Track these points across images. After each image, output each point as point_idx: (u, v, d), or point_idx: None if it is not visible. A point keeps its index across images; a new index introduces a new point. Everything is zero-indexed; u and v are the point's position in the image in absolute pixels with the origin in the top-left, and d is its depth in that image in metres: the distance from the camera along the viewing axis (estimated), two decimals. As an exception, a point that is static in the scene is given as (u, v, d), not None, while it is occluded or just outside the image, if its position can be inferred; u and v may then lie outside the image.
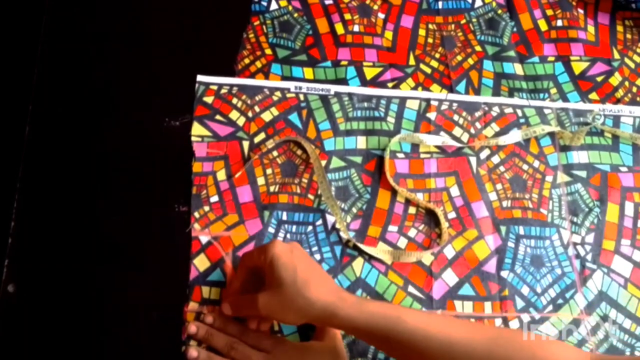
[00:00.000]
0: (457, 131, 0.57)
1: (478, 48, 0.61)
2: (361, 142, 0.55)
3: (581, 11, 0.63)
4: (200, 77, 0.56)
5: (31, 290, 0.48)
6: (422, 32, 0.61)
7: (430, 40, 0.61)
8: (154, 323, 0.48)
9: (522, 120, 0.58)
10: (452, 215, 0.54)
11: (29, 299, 0.48)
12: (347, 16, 0.60)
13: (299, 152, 0.55)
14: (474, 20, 0.62)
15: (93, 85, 0.55)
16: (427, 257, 0.52)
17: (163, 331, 0.48)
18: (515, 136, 0.57)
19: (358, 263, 0.51)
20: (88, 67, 0.56)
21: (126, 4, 0.58)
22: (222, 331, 0.47)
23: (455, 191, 0.55)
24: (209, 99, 0.55)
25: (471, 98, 0.58)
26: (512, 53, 0.61)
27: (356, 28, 0.60)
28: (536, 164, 0.57)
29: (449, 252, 0.53)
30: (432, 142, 0.55)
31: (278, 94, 0.56)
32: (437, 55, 0.60)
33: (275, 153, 0.54)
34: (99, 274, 0.49)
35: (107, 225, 0.50)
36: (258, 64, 0.57)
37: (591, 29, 0.63)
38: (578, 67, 0.61)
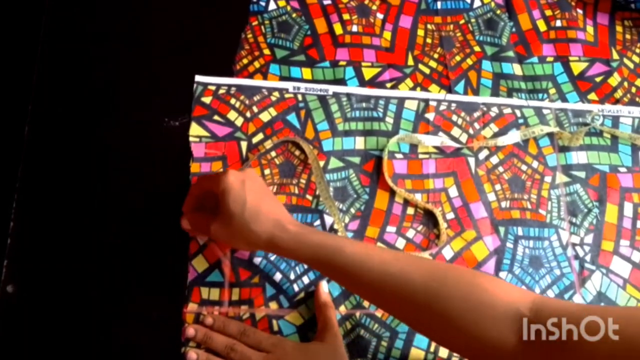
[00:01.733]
0: (455, 131, 0.57)
1: (477, 48, 0.61)
2: (359, 143, 0.55)
3: (580, 11, 0.63)
4: (198, 78, 0.56)
5: (31, 290, 0.48)
6: (420, 32, 0.61)
7: (428, 40, 0.61)
8: (154, 323, 0.48)
9: (520, 121, 0.58)
10: (450, 215, 0.54)
11: (29, 299, 0.48)
12: (346, 16, 0.60)
13: (297, 152, 0.54)
14: (473, 20, 0.62)
15: (93, 85, 0.55)
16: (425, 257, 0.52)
17: (163, 331, 0.48)
18: (514, 137, 0.57)
19: (356, 264, 0.51)
20: (88, 67, 0.56)
21: (126, 4, 0.58)
22: (222, 332, 0.47)
23: (453, 192, 0.55)
24: (207, 99, 0.55)
25: (470, 98, 0.58)
26: (510, 53, 0.61)
27: (355, 28, 0.60)
28: (535, 164, 0.57)
29: (448, 252, 0.53)
30: (430, 143, 0.55)
31: (276, 94, 0.56)
32: (436, 56, 0.60)
33: (273, 153, 0.54)
34: (98, 274, 0.49)
35: (107, 226, 0.50)
36: (256, 64, 0.57)
37: (590, 29, 0.63)
38: (577, 67, 0.60)
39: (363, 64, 0.59)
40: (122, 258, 0.50)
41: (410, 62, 0.59)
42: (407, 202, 0.54)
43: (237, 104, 0.55)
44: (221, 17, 0.59)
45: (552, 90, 0.60)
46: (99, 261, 0.50)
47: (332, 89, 0.57)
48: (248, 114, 0.55)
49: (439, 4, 0.62)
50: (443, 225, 0.53)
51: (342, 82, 0.58)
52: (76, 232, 0.50)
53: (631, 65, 0.62)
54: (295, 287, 0.50)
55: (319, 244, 0.43)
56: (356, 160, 0.55)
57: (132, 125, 0.54)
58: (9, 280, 0.48)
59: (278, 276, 0.50)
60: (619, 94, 0.60)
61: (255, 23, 0.59)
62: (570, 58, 0.61)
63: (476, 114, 0.58)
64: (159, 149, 0.53)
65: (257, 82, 0.56)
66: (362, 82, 0.58)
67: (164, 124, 0.54)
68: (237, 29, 0.59)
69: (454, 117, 0.57)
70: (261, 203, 0.44)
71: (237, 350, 0.46)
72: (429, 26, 0.61)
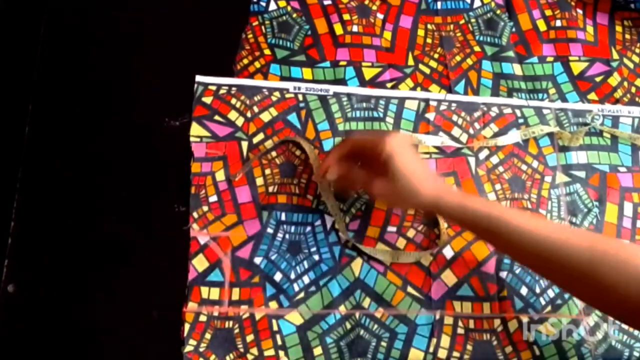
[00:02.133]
0: (456, 131, 0.57)
1: (477, 48, 0.61)
2: (360, 143, 0.55)
3: (580, 11, 0.63)
4: (199, 78, 0.56)
5: (31, 290, 0.48)
6: (420, 32, 0.61)
7: (429, 40, 0.61)
8: (154, 323, 0.48)
9: (520, 121, 0.58)
10: (450, 215, 0.54)
11: (29, 299, 0.48)
12: (346, 16, 0.60)
13: (298, 152, 0.54)
14: (473, 20, 0.62)
15: (93, 85, 0.55)
16: (426, 258, 0.52)
17: (163, 331, 0.48)
18: (514, 136, 0.57)
19: (357, 264, 0.51)
20: (88, 67, 0.56)
21: (126, 4, 0.58)
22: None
23: (454, 191, 0.55)
24: (207, 100, 0.55)
25: (470, 98, 0.58)
26: (511, 53, 0.61)
27: (355, 28, 0.60)
28: (535, 164, 0.57)
29: (448, 252, 0.53)
30: (431, 143, 0.55)
31: (277, 94, 0.56)
32: (436, 56, 0.60)
33: (274, 153, 0.54)
34: (98, 274, 0.49)
35: (107, 226, 0.50)
36: (257, 64, 0.57)
37: (590, 29, 0.63)
38: (577, 67, 0.60)
39: (363, 64, 0.59)
40: (122, 258, 0.50)
41: (411, 62, 0.59)
42: (407, 202, 0.54)
43: (238, 104, 0.55)
44: (221, 18, 0.59)
45: (552, 90, 0.60)
46: (99, 261, 0.50)
47: (333, 89, 0.57)
48: (249, 114, 0.55)
49: (439, 4, 0.62)
50: (443, 225, 0.53)
51: (342, 82, 0.58)
52: (76, 232, 0.50)
53: (631, 65, 0.62)
54: (296, 287, 0.50)
55: (484, 213, 0.45)
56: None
57: (132, 125, 0.54)
58: (10, 280, 0.48)
59: (278, 276, 0.50)
60: (618, 93, 0.60)
61: (255, 23, 0.59)
62: (570, 58, 0.61)
63: (476, 114, 0.58)
64: (159, 149, 0.53)
65: (257, 82, 0.56)
66: (363, 82, 0.58)
67: (164, 124, 0.54)
68: (238, 29, 0.59)
69: (455, 117, 0.57)
70: (422, 169, 0.48)
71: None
72: (429, 26, 0.61)
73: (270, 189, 0.53)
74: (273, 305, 0.50)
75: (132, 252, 0.50)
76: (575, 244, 0.42)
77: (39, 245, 0.49)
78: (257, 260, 0.50)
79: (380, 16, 0.61)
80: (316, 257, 0.51)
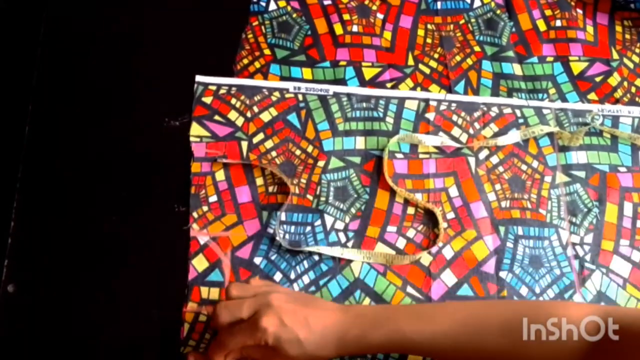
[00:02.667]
0: (455, 131, 0.57)
1: (477, 48, 0.61)
2: (360, 143, 0.55)
3: (580, 11, 0.63)
4: (199, 78, 0.56)
5: (31, 290, 0.48)
6: (420, 32, 0.61)
7: (429, 40, 0.61)
8: (154, 323, 0.48)
9: (520, 121, 0.58)
10: (450, 215, 0.54)
11: (29, 299, 0.48)
12: (346, 16, 0.60)
13: (298, 152, 0.55)
14: (473, 20, 0.62)
15: (93, 85, 0.55)
16: (425, 258, 0.52)
17: (163, 331, 0.48)
18: (514, 136, 0.57)
19: (356, 264, 0.51)
20: (88, 68, 0.56)
21: (125, 4, 0.58)
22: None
23: (454, 191, 0.55)
24: (207, 100, 0.55)
25: (470, 98, 0.58)
26: (510, 53, 0.61)
27: (355, 28, 0.60)
28: (535, 164, 0.57)
29: (448, 252, 0.53)
30: (431, 143, 0.55)
31: (277, 94, 0.56)
32: (436, 56, 0.60)
33: (274, 153, 0.54)
34: (98, 274, 0.49)
35: (107, 226, 0.50)
36: (257, 64, 0.57)
37: (590, 29, 0.63)
38: (577, 67, 0.60)
39: (363, 64, 0.59)
40: (122, 258, 0.50)
41: (411, 62, 0.59)
42: (407, 202, 0.54)
43: (238, 104, 0.55)
44: (220, 17, 0.59)
45: (552, 90, 0.60)
46: (99, 261, 0.50)
47: (333, 89, 0.57)
48: (249, 114, 0.55)
49: (439, 4, 0.62)
50: (443, 224, 0.53)
51: (342, 82, 0.58)
52: (76, 232, 0.50)
53: (631, 65, 0.62)
54: (296, 287, 0.50)
55: (384, 344, 0.43)
56: (357, 160, 0.55)
57: (132, 125, 0.54)
58: (10, 280, 0.48)
59: (278, 276, 0.50)
60: (618, 93, 0.60)
61: (255, 23, 0.59)
62: (570, 58, 0.61)
63: (476, 114, 0.58)
64: (158, 149, 0.53)
65: (257, 82, 0.56)
66: (363, 82, 0.58)
67: (164, 124, 0.54)
68: (238, 29, 0.59)
69: (454, 117, 0.57)
70: (311, 326, 0.42)
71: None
72: (429, 26, 0.61)
73: (270, 189, 0.53)
74: (273, 305, 0.49)
75: (132, 252, 0.50)
76: (482, 338, 0.42)
77: (39, 245, 0.49)
78: (257, 260, 0.50)
79: (380, 16, 0.61)
80: (316, 257, 0.51)
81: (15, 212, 0.50)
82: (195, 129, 0.54)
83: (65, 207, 0.51)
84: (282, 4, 0.60)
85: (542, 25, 0.62)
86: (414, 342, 0.42)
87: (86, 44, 0.56)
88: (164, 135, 0.54)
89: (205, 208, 0.52)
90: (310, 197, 0.53)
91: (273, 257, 0.51)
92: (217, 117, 0.55)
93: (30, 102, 0.54)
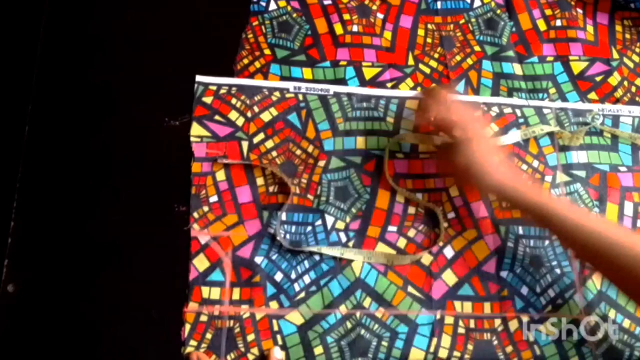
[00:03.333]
0: (437, 139, 0.56)
1: (477, 48, 0.61)
2: (360, 143, 0.55)
3: (580, 11, 0.63)
4: (199, 78, 0.56)
5: (31, 290, 0.48)
6: (421, 32, 0.61)
7: (429, 40, 0.61)
8: (154, 323, 0.48)
9: (521, 121, 0.58)
10: (451, 215, 0.54)
11: (29, 299, 0.48)
12: (346, 16, 0.60)
13: (299, 152, 0.55)
14: (473, 20, 0.62)
15: (93, 85, 0.55)
16: (426, 258, 0.52)
17: (163, 331, 0.48)
18: (514, 136, 0.57)
19: (357, 264, 0.51)
20: (88, 67, 0.56)
21: (125, 4, 0.58)
22: None
23: (454, 191, 0.55)
24: (208, 100, 0.55)
25: (470, 98, 0.58)
26: (511, 53, 0.61)
27: (355, 28, 0.60)
28: (535, 164, 0.57)
29: (449, 252, 0.53)
30: (436, 141, 0.55)
31: (277, 94, 0.56)
32: (437, 56, 0.60)
33: (274, 153, 0.54)
34: (98, 274, 0.49)
35: (107, 226, 0.50)
36: (257, 64, 0.57)
37: (590, 29, 0.63)
38: (577, 67, 0.60)
39: (364, 64, 0.59)
40: (122, 258, 0.50)
41: (411, 62, 0.59)
42: (408, 202, 0.54)
43: (238, 104, 0.55)
44: (221, 18, 0.59)
45: (553, 90, 0.60)
46: (99, 261, 0.50)
47: (333, 89, 0.57)
48: (249, 114, 0.55)
49: (439, 4, 0.62)
50: (444, 224, 0.53)
51: (343, 82, 0.58)
52: (76, 232, 0.50)
53: (631, 65, 0.62)
54: (297, 287, 0.50)
55: (538, 206, 0.48)
56: (357, 160, 0.55)
57: (132, 125, 0.54)
58: (10, 280, 0.48)
59: (279, 276, 0.50)
60: (619, 93, 0.60)
61: (255, 23, 0.59)
62: (571, 58, 0.61)
63: (476, 114, 0.58)
64: (159, 149, 0.53)
65: (258, 82, 0.56)
66: (363, 82, 0.58)
67: (164, 124, 0.54)
68: (237, 29, 0.59)
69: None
70: (491, 162, 0.49)
71: None
72: (429, 26, 0.61)
73: (271, 189, 0.53)
74: (274, 305, 0.49)
75: (132, 252, 0.50)
76: (624, 246, 0.45)
77: (39, 245, 0.49)
78: (258, 260, 0.50)
79: (380, 16, 0.61)
80: (317, 257, 0.51)
81: (15, 212, 0.50)
82: (196, 129, 0.54)
83: (65, 207, 0.51)
84: (282, 4, 0.60)
85: (542, 25, 0.62)
86: (562, 224, 0.47)
87: (86, 44, 0.56)
88: (164, 135, 0.54)
89: (206, 208, 0.51)
90: (311, 197, 0.53)
91: (274, 257, 0.51)
92: (217, 117, 0.55)
93: (30, 102, 0.53)
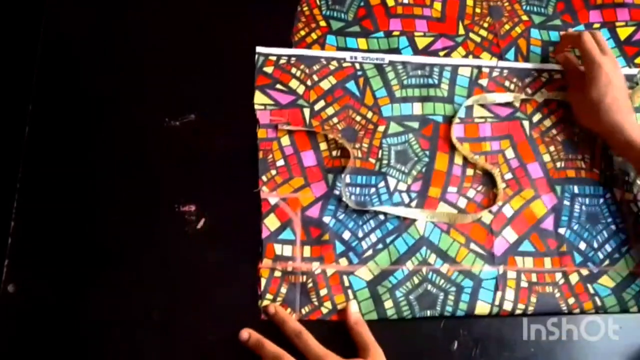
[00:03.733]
0: (508, 97, 0.58)
1: (524, 17, 0.62)
2: (417, 108, 0.57)
3: (626, -24, 0.65)
4: (259, 49, 0.57)
5: (31, 290, 0.48)
6: (469, 2, 0.62)
7: (477, 10, 0.62)
8: (154, 323, 0.48)
9: (571, 86, 0.60)
10: (508, 176, 0.56)
11: (29, 299, 0.48)
12: (397, -12, 0.62)
13: (358, 118, 0.56)
14: (521, -11, 0.63)
15: (93, 85, 0.54)
16: (486, 216, 0.54)
17: (163, 331, 0.48)
18: None
19: (421, 222, 0.53)
20: (88, 67, 0.55)
21: (126, 4, 0.58)
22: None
23: (510, 153, 0.56)
24: (269, 69, 0.57)
25: (521, 65, 0.60)
26: (557, 22, 0.62)
27: (406, 0, 0.62)
28: (587, 126, 0.58)
29: (508, 211, 0.54)
30: (502, 100, 0.57)
31: (334, 63, 0.58)
32: (486, 25, 0.62)
33: (335, 120, 0.56)
34: (98, 274, 0.49)
35: (107, 226, 0.50)
36: (314, 35, 0.59)
37: (636, -7, 0.64)
38: (623, 32, 0.62)
39: (416, 33, 0.60)
40: (122, 257, 0.50)
41: (461, 31, 0.61)
42: (466, 164, 0.56)
43: (298, 73, 0.57)
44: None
45: (600, 56, 0.61)
46: (99, 261, 0.50)
47: (388, 57, 0.59)
48: (309, 82, 0.57)
49: (486, -25, 0.64)
50: (501, 185, 0.55)
51: (396, 51, 0.59)
52: (76, 232, 0.50)
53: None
54: (364, 245, 0.52)
55: None
56: (415, 125, 0.57)
57: (132, 125, 0.54)
58: (10, 280, 0.48)
59: (347, 234, 0.52)
60: (665, 58, 0.61)
61: (309, -4, 0.61)
62: (617, 24, 0.62)
63: (527, 80, 0.59)
64: (159, 149, 0.53)
65: (315, 52, 0.58)
66: (416, 51, 0.60)
67: (164, 124, 0.54)
68: (293, 2, 0.61)
69: (507, 83, 0.59)
70: (625, 104, 0.53)
71: (301, 338, 0.47)
72: (477, -4, 0.63)
73: (334, 153, 0.55)
74: (343, 262, 0.51)
75: (132, 251, 0.50)
76: None
77: (39, 245, 0.49)
78: (326, 219, 0.52)
79: (430, -13, 0.63)
80: (382, 217, 0.53)
81: (15, 212, 0.50)
82: (259, 97, 0.56)
83: (65, 207, 0.51)
84: (334, -24, 0.62)
85: (589, -8, 0.64)
86: None
87: (86, 44, 0.56)
88: (164, 135, 0.53)
89: (273, 172, 0.53)
90: (372, 160, 0.55)
91: (341, 217, 0.53)
92: (278, 86, 0.56)
93: (30, 102, 0.53)
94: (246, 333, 0.48)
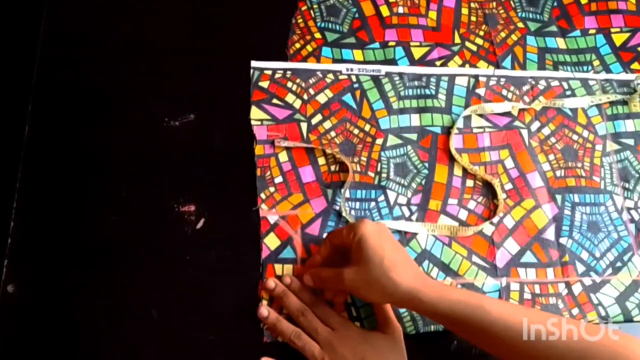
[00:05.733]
0: (506, 106, 0.58)
1: (520, 25, 0.62)
2: (415, 120, 0.57)
3: (619, -18, 0.65)
4: (254, 63, 0.57)
5: (31, 290, 0.48)
6: (464, 10, 0.62)
7: (473, 18, 0.62)
8: (153, 323, 0.48)
9: (568, 93, 0.59)
10: (508, 186, 0.55)
11: (29, 299, 0.47)
12: (391, -2, 0.61)
13: (356, 131, 0.56)
14: (517, -4, 0.63)
15: (92, 85, 0.54)
16: (488, 228, 0.54)
17: (163, 331, 0.48)
18: (582, 101, 0.58)
19: (422, 236, 0.53)
20: (88, 67, 0.55)
21: (125, 4, 0.58)
22: (296, 296, 0.48)
23: (509, 163, 0.56)
24: (264, 84, 0.56)
25: (518, 73, 0.60)
26: (553, 28, 0.62)
27: (400, 9, 0.61)
28: (585, 133, 0.58)
29: (509, 221, 0.54)
30: (500, 109, 0.57)
31: (330, 76, 0.57)
32: (481, 33, 0.61)
33: (333, 133, 0.55)
34: (98, 274, 0.49)
35: (107, 226, 0.50)
36: (309, 47, 0.58)
37: (631, -2, 0.64)
38: (619, 38, 0.62)
39: (412, 43, 0.60)
40: (122, 258, 0.49)
41: (457, 40, 0.61)
42: (465, 175, 0.55)
43: (294, 87, 0.56)
44: (270, 3, 0.60)
45: (596, 62, 0.61)
46: (99, 261, 0.49)
47: (385, 68, 0.58)
48: (305, 96, 0.56)
49: (480, -17, 0.64)
50: (502, 195, 0.54)
51: (392, 62, 0.59)
52: (76, 231, 0.49)
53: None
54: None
55: (462, 300, 0.42)
56: (413, 136, 0.56)
57: (132, 125, 0.53)
58: (9, 280, 0.47)
59: (348, 251, 0.52)
60: (661, 62, 0.62)
61: (304, 8, 0.60)
62: (612, 30, 0.62)
63: (525, 88, 0.59)
64: (159, 149, 0.53)
65: (311, 65, 0.58)
66: (412, 62, 0.59)
67: (163, 124, 0.54)
68: (286, 14, 0.60)
69: (504, 92, 0.59)
70: (398, 254, 0.44)
71: (307, 316, 0.47)
72: (472, 4, 0.63)
73: (332, 167, 0.54)
74: (345, 279, 0.51)
75: (132, 252, 0.49)
76: (559, 348, 0.39)
77: (39, 245, 0.49)
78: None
79: (424, -4, 0.62)
80: (382, 231, 0.53)
81: (15, 212, 0.49)
82: (255, 113, 0.55)
83: (65, 207, 0.50)
84: (328, -12, 0.61)
85: (583, -1, 0.64)
86: (489, 317, 0.41)
87: (86, 44, 0.56)
88: (164, 135, 0.53)
89: (272, 189, 0.53)
90: (371, 174, 0.54)
91: (341, 233, 0.52)
92: (275, 101, 0.56)
93: (30, 102, 0.53)
94: (272, 282, 0.48)
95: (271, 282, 0.48)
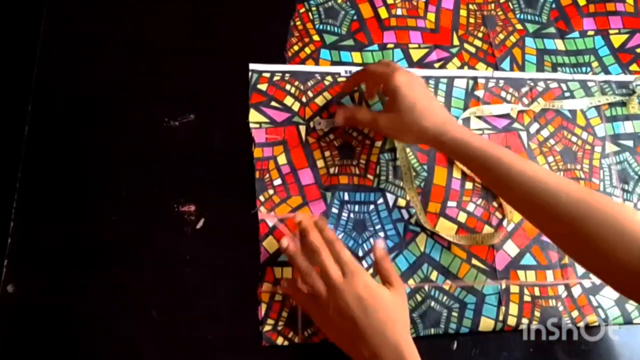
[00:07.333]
0: (505, 107, 0.58)
1: (519, 26, 0.62)
2: (414, 122, 0.57)
3: (619, -17, 0.65)
4: (252, 66, 0.57)
5: (31, 290, 0.48)
6: (463, 12, 0.62)
7: (471, 20, 0.62)
8: (153, 323, 0.48)
9: (567, 94, 0.59)
10: (507, 188, 0.55)
11: (29, 299, 0.47)
12: (390, 0, 0.61)
13: (355, 133, 0.56)
14: (514, -2, 0.63)
15: (93, 85, 0.54)
16: (487, 230, 0.53)
17: (163, 331, 0.48)
18: (581, 103, 0.58)
19: (421, 239, 0.53)
20: (87, 67, 0.55)
21: (126, 4, 0.57)
22: (309, 245, 0.47)
23: (508, 165, 0.56)
24: (263, 87, 0.56)
25: (516, 74, 0.60)
26: (552, 29, 0.62)
27: (399, 11, 0.61)
28: (584, 135, 0.58)
29: (508, 224, 0.54)
30: (499, 111, 0.57)
31: (329, 78, 0.57)
32: (480, 35, 0.61)
33: (331, 136, 0.55)
34: (98, 274, 0.49)
35: (107, 226, 0.50)
36: (307, 50, 0.58)
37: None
38: (617, 40, 0.62)
39: (410, 45, 0.60)
40: (122, 258, 0.49)
41: (456, 42, 0.61)
42: (464, 178, 0.55)
43: (293, 90, 0.56)
44: (268, 5, 0.60)
45: (595, 64, 0.61)
46: (99, 261, 0.49)
47: (383, 71, 0.58)
48: (304, 99, 0.56)
49: (479, -15, 0.63)
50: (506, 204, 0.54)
51: (391, 64, 0.59)
52: (76, 232, 0.49)
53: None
54: (364, 264, 0.51)
55: (482, 149, 0.46)
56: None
57: (132, 125, 0.53)
58: (9, 280, 0.47)
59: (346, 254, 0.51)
60: (659, 63, 0.61)
61: (302, 10, 0.60)
62: (610, 31, 0.62)
63: (524, 89, 0.59)
64: (159, 149, 0.53)
65: (309, 67, 0.57)
66: (411, 63, 0.59)
67: (163, 124, 0.54)
68: (285, 16, 0.60)
69: (503, 94, 0.59)
70: (430, 102, 0.49)
71: (322, 255, 0.46)
72: (470, 6, 0.62)
73: (331, 170, 0.54)
74: (344, 282, 0.51)
75: (132, 252, 0.49)
76: (567, 193, 0.42)
77: (39, 245, 0.49)
78: (326, 239, 0.51)
79: (423, -2, 0.62)
80: (382, 234, 0.52)
81: (15, 212, 0.49)
82: (254, 116, 0.55)
83: (65, 207, 0.50)
84: (326, -10, 0.61)
85: (581, 0, 0.63)
86: (503, 167, 0.45)
87: (86, 43, 0.55)
88: (164, 135, 0.53)
89: (270, 191, 0.52)
90: (370, 176, 0.54)
91: (340, 236, 0.52)
92: (273, 103, 0.56)
93: (30, 102, 0.53)
94: (286, 241, 0.48)
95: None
